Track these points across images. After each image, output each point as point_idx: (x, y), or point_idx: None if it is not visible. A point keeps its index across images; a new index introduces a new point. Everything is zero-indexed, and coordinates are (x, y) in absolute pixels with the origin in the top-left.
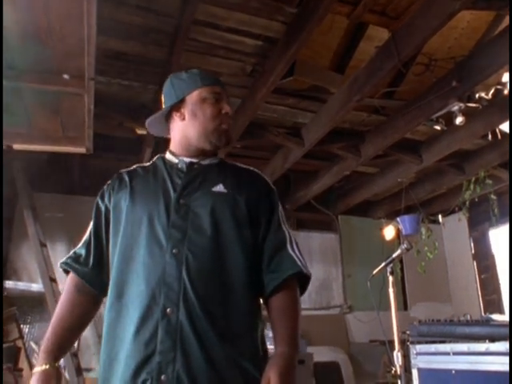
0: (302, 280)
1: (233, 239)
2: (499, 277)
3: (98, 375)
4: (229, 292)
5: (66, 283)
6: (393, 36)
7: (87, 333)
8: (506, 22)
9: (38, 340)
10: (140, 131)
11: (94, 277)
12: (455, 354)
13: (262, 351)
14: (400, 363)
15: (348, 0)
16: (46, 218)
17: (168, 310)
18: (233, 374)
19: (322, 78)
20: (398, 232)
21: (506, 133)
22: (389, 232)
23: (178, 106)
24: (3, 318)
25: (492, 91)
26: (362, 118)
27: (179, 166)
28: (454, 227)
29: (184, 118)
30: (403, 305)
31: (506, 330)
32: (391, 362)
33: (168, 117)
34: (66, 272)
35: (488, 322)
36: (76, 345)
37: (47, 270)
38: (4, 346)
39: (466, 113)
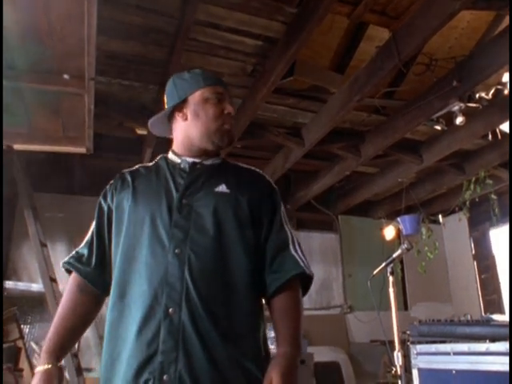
0: (304, 280)
1: (235, 239)
2: (499, 277)
3: (100, 375)
4: (231, 292)
5: (68, 283)
6: (393, 36)
7: (88, 333)
8: (506, 21)
9: (38, 340)
10: (140, 131)
11: (96, 276)
12: (455, 354)
13: (264, 351)
14: (400, 363)
15: (348, 0)
16: (47, 218)
17: (170, 310)
18: (235, 374)
19: (323, 77)
20: (399, 232)
21: (506, 133)
22: (389, 232)
23: (180, 106)
24: (4, 319)
25: (492, 91)
26: (363, 117)
27: (182, 166)
28: (455, 227)
29: (186, 119)
30: (403, 305)
31: (507, 330)
32: (391, 362)
33: (170, 117)
34: (69, 272)
35: (488, 322)
36: (76, 345)
37: (47, 270)
38: (4, 346)
39: (466, 113)
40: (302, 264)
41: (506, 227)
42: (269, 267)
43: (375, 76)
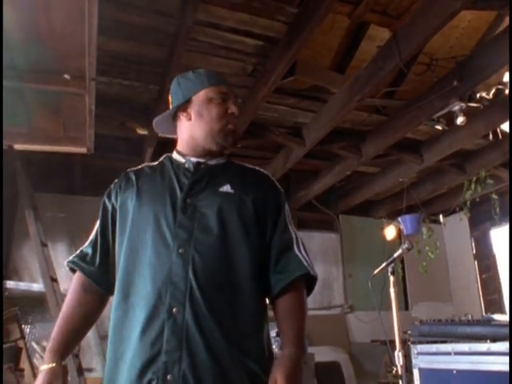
0: (308, 281)
1: (239, 239)
2: (500, 276)
3: (104, 375)
4: (236, 292)
5: (72, 282)
6: (394, 36)
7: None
8: (506, 21)
9: (39, 340)
10: (141, 131)
11: (100, 276)
12: (456, 353)
13: (267, 352)
14: (401, 363)
15: (349, 0)
16: (47, 218)
17: (174, 309)
18: (239, 374)
19: (323, 77)
20: (399, 232)
21: (507, 133)
22: (390, 232)
23: (184, 106)
24: (5, 319)
25: (493, 91)
26: (363, 117)
27: (186, 165)
28: (455, 227)
29: (190, 118)
30: (404, 305)
31: (508, 330)
32: (392, 362)
33: (175, 117)
34: (73, 270)
35: (489, 322)
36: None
37: (48, 270)
38: (5, 346)
39: (467, 112)
40: (306, 264)
41: (507, 227)
42: (273, 268)
43: (376, 76)
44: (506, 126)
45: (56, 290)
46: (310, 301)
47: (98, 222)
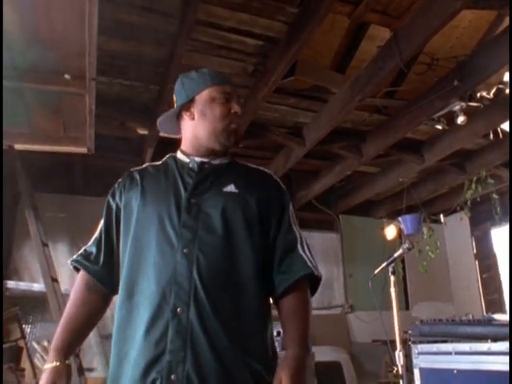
0: (312, 281)
1: (243, 239)
2: (501, 276)
3: (108, 374)
4: (240, 292)
5: (76, 281)
6: (394, 35)
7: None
8: (507, 21)
9: (39, 340)
10: (141, 131)
11: (104, 275)
12: (457, 353)
13: (271, 351)
14: (402, 363)
15: (349, 0)
16: (48, 218)
17: (178, 309)
18: (243, 374)
19: (324, 77)
20: (400, 232)
21: (507, 132)
22: (390, 232)
23: (188, 105)
24: (5, 318)
25: (494, 90)
26: (364, 117)
27: (190, 165)
28: (456, 227)
29: (194, 118)
30: (405, 304)
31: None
32: (393, 362)
33: (179, 116)
34: (77, 269)
35: (490, 322)
36: None
37: (49, 270)
38: (6, 345)
39: (467, 112)
40: (310, 265)
41: (507, 226)
42: (277, 267)
43: (376, 76)
44: (506, 126)
45: (57, 290)
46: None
47: (101, 221)
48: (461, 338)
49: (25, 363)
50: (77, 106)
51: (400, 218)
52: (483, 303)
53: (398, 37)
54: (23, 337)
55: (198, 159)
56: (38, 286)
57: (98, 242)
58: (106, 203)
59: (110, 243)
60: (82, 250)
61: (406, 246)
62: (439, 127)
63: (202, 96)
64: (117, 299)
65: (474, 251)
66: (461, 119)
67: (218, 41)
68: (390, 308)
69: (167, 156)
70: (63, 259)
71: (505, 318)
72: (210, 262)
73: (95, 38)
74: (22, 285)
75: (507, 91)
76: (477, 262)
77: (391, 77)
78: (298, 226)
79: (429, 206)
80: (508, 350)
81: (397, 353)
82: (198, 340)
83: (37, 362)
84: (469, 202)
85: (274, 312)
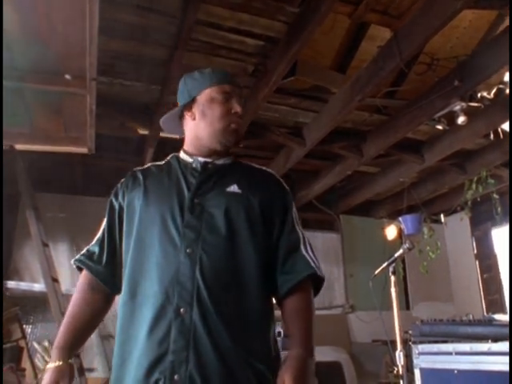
0: (315, 281)
1: (246, 239)
2: (501, 276)
3: (111, 374)
4: (242, 292)
5: (79, 281)
6: (395, 35)
7: None
8: (507, 21)
9: (40, 340)
10: (142, 131)
11: (107, 275)
12: (457, 353)
13: (274, 351)
14: (402, 363)
15: (350, 0)
16: (48, 218)
17: (181, 309)
18: (246, 374)
19: (324, 77)
20: (400, 232)
21: (507, 132)
22: (391, 232)
23: (189, 105)
24: (6, 319)
25: (494, 90)
26: (364, 117)
27: (194, 165)
28: (456, 227)
29: (195, 118)
30: (405, 304)
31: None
32: (393, 362)
33: (181, 116)
34: (79, 269)
35: (490, 322)
36: None
37: (49, 270)
38: (7, 345)
39: (468, 112)
40: (313, 265)
41: (508, 226)
42: (280, 268)
43: (377, 76)
44: (506, 126)
45: (57, 290)
46: None
47: (104, 221)
48: (461, 338)
49: (25, 363)
50: (77, 106)
51: (400, 218)
52: (484, 303)
53: (399, 37)
54: (24, 337)
55: (201, 159)
56: (39, 286)
57: (100, 242)
58: (108, 203)
59: (112, 243)
60: (84, 250)
61: (406, 246)
62: (440, 127)
63: (203, 96)
64: (119, 299)
65: (475, 251)
66: (461, 119)
67: (219, 41)
68: (390, 308)
69: (170, 156)
70: (64, 259)
71: (505, 318)
72: (213, 262)
73: (96, 38)
74: (23, 285)
75: (507, 91)
76: (477, 262)
77: (391, 77)
78: (301, 226)
79: (429, 206)
80: (508, 351)
81: (397, 353)
82: (200, 340)
83: (37, 362)
84: (469, 202)
85: (277, 312)
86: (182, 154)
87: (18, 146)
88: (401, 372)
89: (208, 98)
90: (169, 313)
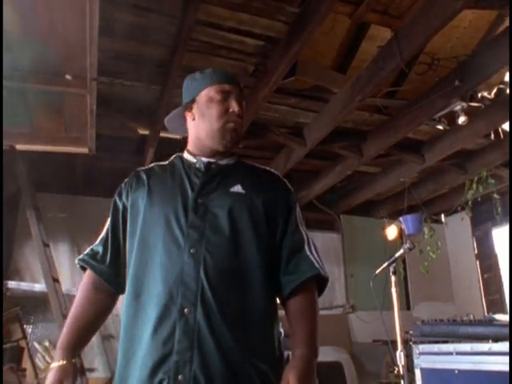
0: (319, 282)
1: (250, 240)
2: (502, 276)
3: (115, 374)
4: (246, 292)
5: (82, 280)
6: (395, 35)
7: None
8: (507, 21)
9: (41, 340)
10: (142, 131)
11: (111, 275)
12: (458, 353)
13: (278, 351)
14: (403, 363)
15: (350, 0)
16: (49, 218)
17: (186, 309)
18: (249, 374)
19: (324, 77)
20: (401, 232)
21: (508, 132)
22: (391, 232)
23: (190, 106)
24: (6, 319)
25: (494, 90)
26: (365, 117)
27: (197, 165)
28: (457, 227)
29: (195, 118)
30: (406, 304)
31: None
32: (394, 362)
33: (184, 117)
34: (83, 269)
35: (491, 322)
36: None
37: (50, 270)
38: (7, 346)
39: (468, 112)
40: (317, 265)
41: (508, 226)
42: (284, 268)
43: (377, 76)
44: (507, 126)
45: (58, 290)
46: None
47: (108, 221)
48: (462, 338)
49: (26, 363)
50: (78, 106)
51: (401, 218)
52: (484, 303)
53: (399, 37)
54: (24, 337)
55: (204, 159)
56: (39, 286)
57: (104, 242)
58: (112, 203)
59: (116, 243)
60: (88, 250)
61: (407, 246)
62: (440, 127)
63: (202, 96)
64: (123, 299)
65: (475, 251)
66: (462, 119)
67: (219, 41)
68: (391, 308)
69: (174, 156)
70: (64, 259)
71: (506, 318)
72: (216, 262)
73: (96, 39)
74: (24, 285)
75: (508, 91)
76: (478, 262)
77: (392, 77)
78: (304, 226)
79: (430, 206)
80: (509, 351)
81: (398, 353)
82: (204, 340)
83: (38, 362)
84: (470, 202)
85: (281, 312)
86: (185, 154)
87: (19, 146)
88: (401, 372)
89: (207, 98)
90: (173, 313)
